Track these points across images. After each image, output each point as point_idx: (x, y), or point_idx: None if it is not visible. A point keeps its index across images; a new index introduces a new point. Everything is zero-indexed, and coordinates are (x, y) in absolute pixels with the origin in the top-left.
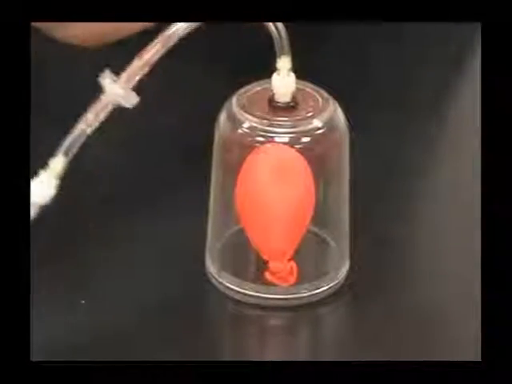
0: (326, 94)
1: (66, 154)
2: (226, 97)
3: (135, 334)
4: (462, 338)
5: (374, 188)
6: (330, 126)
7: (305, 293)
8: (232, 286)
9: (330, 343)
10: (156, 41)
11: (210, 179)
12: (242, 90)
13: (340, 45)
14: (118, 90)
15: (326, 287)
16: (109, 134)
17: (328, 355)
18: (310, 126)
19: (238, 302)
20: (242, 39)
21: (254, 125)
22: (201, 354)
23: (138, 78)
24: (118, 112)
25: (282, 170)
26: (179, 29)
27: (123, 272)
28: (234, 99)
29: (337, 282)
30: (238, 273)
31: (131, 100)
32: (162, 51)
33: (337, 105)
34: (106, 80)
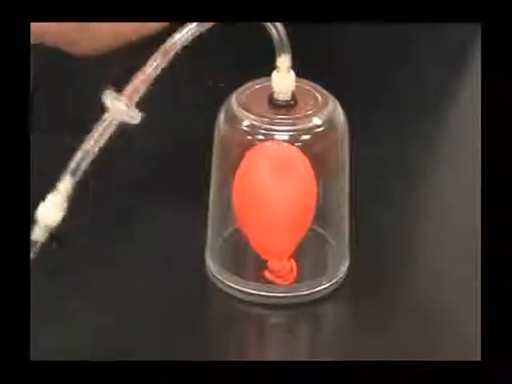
0: (325, 92)
1: (73, 174)
2: (226, 95)
3: (135, 333)
4: (462, 338)
5: (373, 187)
6: (329, 124)
7: (305, 291)
8: (232, 285)
9: (329, 342)
10: (156, 54)
11: (210, 179)
12: (242, 88)
13: (341, 45)
14: (121, 108)
15: (326, 285)
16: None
17: (328, 354)
18: (310, 124)
19: (238, 300)
20: (242, 38)
21: (254, 123)
22: (201, 354)
23: (140, 93)
24: None
25: (282, 168)
26: (178, 40)
27: (123, 272)
28: (233, 97)
29: (336, 280)
30: (239, 271)
31: (135, 117)
32: (163, 64)
33: (337, 103)
34: (109, 98)
